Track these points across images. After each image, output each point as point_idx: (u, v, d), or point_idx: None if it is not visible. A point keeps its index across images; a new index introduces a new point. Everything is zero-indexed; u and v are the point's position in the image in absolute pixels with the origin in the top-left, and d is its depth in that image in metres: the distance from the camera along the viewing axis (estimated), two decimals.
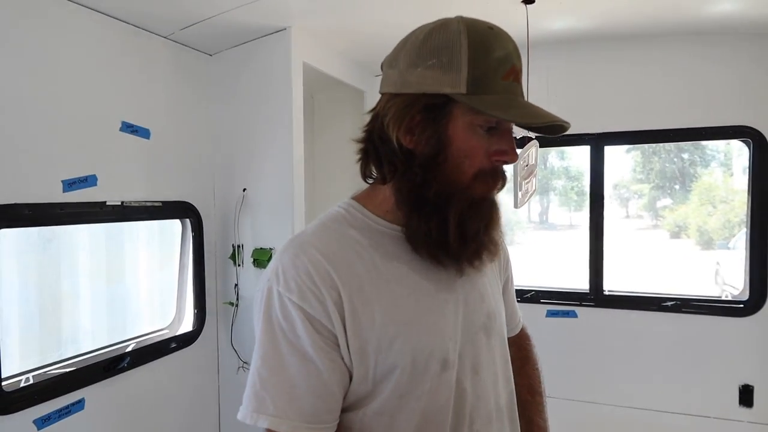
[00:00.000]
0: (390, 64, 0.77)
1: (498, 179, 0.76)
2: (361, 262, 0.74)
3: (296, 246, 0.74)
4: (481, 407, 0.79)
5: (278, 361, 0.70)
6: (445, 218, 0.73)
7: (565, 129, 0.75)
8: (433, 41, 0.72)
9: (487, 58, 0.70)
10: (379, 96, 0.79)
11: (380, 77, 0.80)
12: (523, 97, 0.75)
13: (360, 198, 0.82)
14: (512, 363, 0.98)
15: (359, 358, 0.71)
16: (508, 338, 1.02)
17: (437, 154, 0.72)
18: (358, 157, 0.81)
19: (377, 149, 0.77)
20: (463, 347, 0.78)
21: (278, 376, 0.70)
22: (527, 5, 1.93)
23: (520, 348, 1.08)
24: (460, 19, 0.72)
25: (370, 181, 0.82)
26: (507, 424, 0.85)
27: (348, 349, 0.71)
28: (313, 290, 0.70)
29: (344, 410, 0.75)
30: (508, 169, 1.95)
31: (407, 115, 0.72)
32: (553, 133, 0.78)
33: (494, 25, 0.73)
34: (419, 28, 0.76)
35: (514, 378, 0.97)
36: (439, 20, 0.74)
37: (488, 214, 0.76)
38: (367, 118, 0.80)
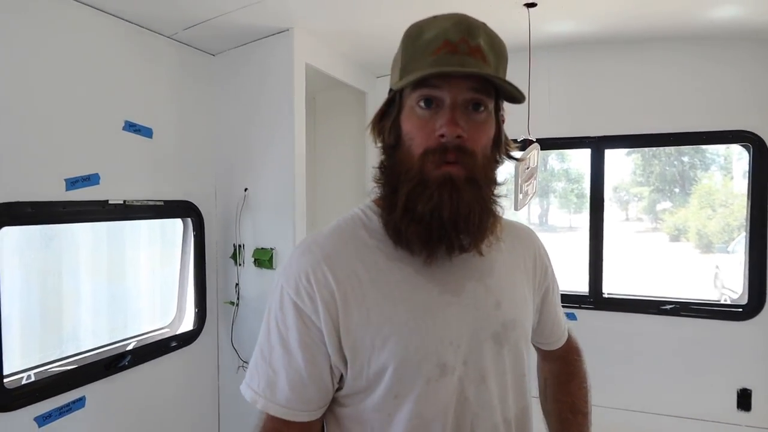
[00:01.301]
0: None
1: (444, 156, 0.71)
2: (363, 263, 0.77)
3: (305, 246, 0.80)
4: (484, 417, 0.77)
5: (268, 347, 0.78)
6: (396, 198, 0.75)
7: (512, 93, 0.72)
8: (395, 53, 0.80)
9: (415, 44, 0.74)
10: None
11: (381, 78, 0.85)
12: (465, 64, 0.70)
13: (378, 200, 0.84)
14: (557, 378, 0.98)
15: (353, 354, 0.74)
16: (554, 351, 1.02)
17: (396, 143, 0.77)
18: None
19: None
20: (468, 354, 0.76)
21: (266, 360, 0.77)
22: (529, 8, 1.94)
23: (567, 363, 1.05)
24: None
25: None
26: None
27: (341, 345, 0.75)
28: (306, 288, 0.75)
29: (345, 404, 0.79)
30: (509, 171, 1.96)
31: (377, 116, 0.81)
32: (509, 100, 0.76)
33: (442, 14, 0.74)
34: None
35: (557, 395, 0.97)
36: None
37: (438, 194, 0.71)
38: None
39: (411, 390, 0.74)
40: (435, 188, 0.71)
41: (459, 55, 0.70)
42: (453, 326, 0.76)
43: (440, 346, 0.75)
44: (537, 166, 2.04)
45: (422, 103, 0.73)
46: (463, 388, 0.76)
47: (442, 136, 0.71)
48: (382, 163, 0.80)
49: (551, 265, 0.96)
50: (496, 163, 0.79)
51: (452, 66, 0.70)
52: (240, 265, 2.31)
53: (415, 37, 0.74)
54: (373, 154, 0.86)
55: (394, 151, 0.77)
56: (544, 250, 0.96)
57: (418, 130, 0.73)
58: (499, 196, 0.78)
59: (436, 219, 0.71)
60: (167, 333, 2.23)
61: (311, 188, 2.74)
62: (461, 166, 0.72)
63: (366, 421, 0.77)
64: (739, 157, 6.53)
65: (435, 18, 0.75)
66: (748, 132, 2.27)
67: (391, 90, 0.79)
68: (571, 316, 2.56)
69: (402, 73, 0.74)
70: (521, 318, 0.84)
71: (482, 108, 0.73)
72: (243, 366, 2.30)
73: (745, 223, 2.36)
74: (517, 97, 0.73)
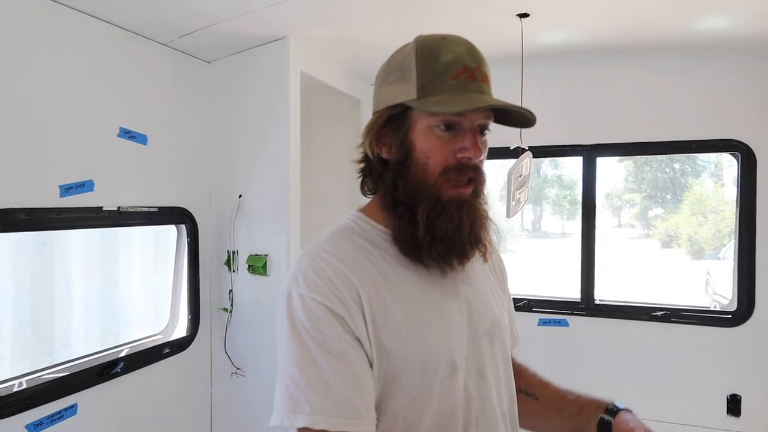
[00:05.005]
0: (374, 89, 0.85)
1: (465, 174, 0.77)
2: (373, 267, 0.77)
3: (312, 253, 0.78)
4: (486, 411, 0.80)
5: (308, 361, 0.70)
6: (414, 216, 0.77)
7: (530, 120, 0.79)
8: (393, 61, 0.81)
9: (434, 64, 0.75)
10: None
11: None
12: (483, 92, 0.77)
13: (365, 210, 0.87)
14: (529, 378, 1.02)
15: (377, 356, 0.73)
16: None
17: (405, 158, 0.78)
18: (359, 175, 0.87)
19: (369, 165, 0.84)
20: (469, 352, 0.80)
21: (310, 375, 0.69)
22: (522, 19, 1.96)
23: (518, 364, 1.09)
24: (416, 38, 0.80)
25: (370, 195, 0.87)
26: (510, 429, 0.87)
27: (370, 346, 0.73)
28: (333, 290, 0.73)
29: None
30: (503, 176, 1.98)
31: (377, 128, 0.81)
32: (522, 125, 0.81)
33: (449, 35, 0.79)
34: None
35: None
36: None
37: (459, 214, 0.77)
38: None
39: (427, 391, 0.75)
40: (455, 208, 0.76)
41: (477, 82, 0.76)
42: (457, 327, 0.80)
43: (451, 345, 0.78)
44: (529, 173, 2.06)
45: (442, 126, 0.76)
46: (467, 384, 0.79)
47: (462, 157, 0.76)
48: (387, 176, 0.80)
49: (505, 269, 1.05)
50: None
51: (472, 92, 0.75)
52: (234, 271, 2.31)
53: (431, 57, 0.75)
54: None
55: (402, 167, 0.78)
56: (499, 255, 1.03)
57: (438, 150, 0.76)
58: (489, 206, 0.84)
59: (458, 236, 0.77)
60: (160, 339, 2.22)
61: (306, 195, 2.75)
62: (472, 184, 0.78)
63: (380, 428, 0.74)
64: (729, 164, 6.60)
65: (444, 39, 0.77)
66: (737, 141, 2.31)
67: (399, 105, 0.77)
68: (563, 323, 2.58)
69: (422, 92, 0.75)
70: (503, 316, 0.91)
71: (487, 131, 0.80)
72: (236, 373, 2.30)
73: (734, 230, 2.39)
74: (530, 123, 0.80)
